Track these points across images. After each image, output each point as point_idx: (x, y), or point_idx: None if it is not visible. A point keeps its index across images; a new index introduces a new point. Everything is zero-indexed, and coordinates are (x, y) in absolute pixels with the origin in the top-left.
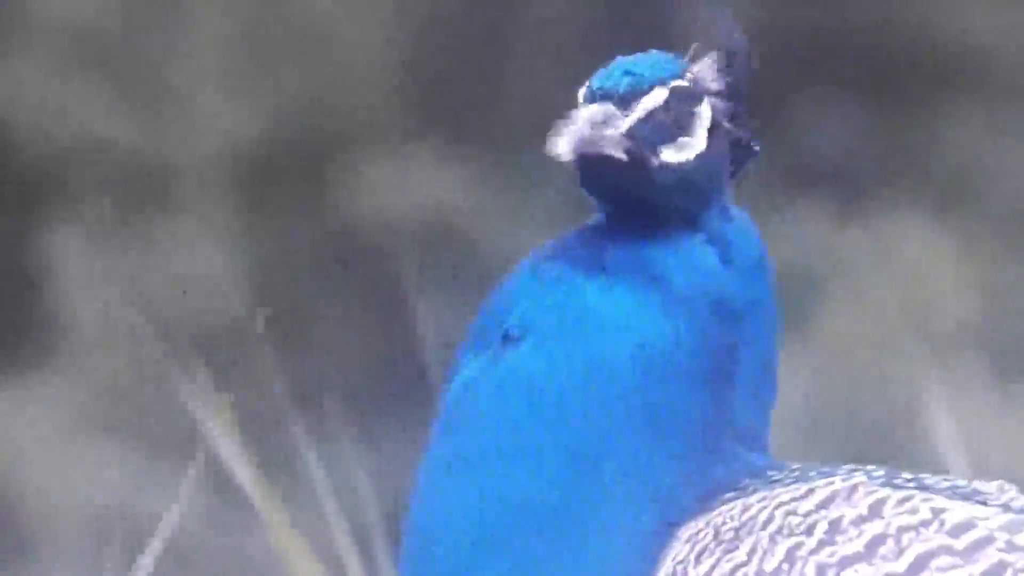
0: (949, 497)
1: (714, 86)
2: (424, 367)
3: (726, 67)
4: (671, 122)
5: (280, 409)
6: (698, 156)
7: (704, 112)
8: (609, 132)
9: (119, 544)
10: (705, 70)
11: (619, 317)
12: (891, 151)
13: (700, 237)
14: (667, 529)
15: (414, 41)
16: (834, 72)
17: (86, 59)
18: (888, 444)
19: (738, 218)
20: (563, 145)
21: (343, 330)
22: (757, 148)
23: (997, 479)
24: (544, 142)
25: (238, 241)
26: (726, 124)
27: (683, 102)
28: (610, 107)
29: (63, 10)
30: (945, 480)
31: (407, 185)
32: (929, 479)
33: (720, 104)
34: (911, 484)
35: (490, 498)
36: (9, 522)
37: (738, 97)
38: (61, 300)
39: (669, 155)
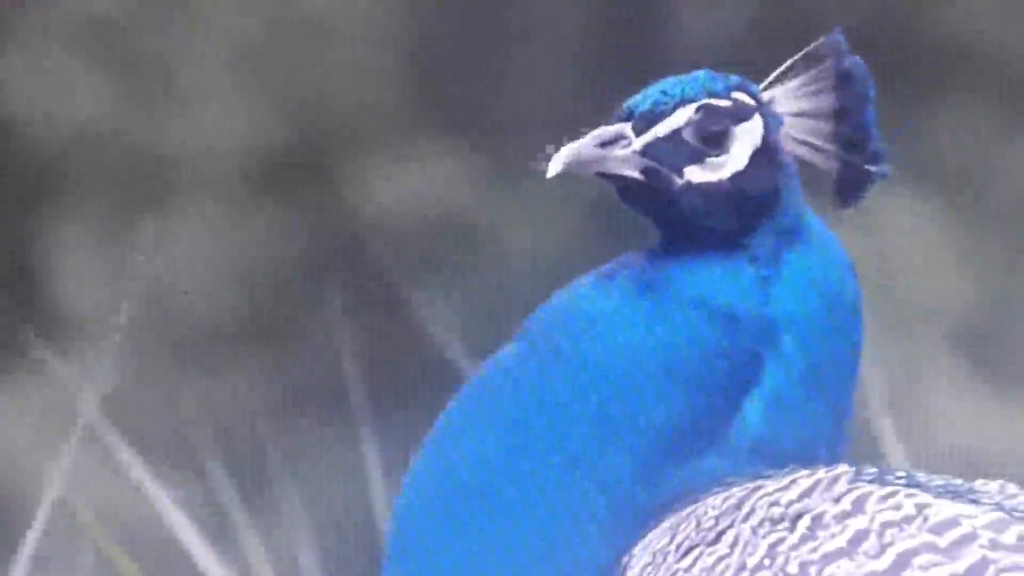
0: (938, 495)
1: (798, 106)
2: (424, 366)
3: (839, 91)
4: (699, 141)
5: (262, 412)
6: (735, 176)
7: (747, 131)
8: (618, 151)
9: (119, 544)
10: (786, 90)
11: (596, 319)
12: (890, 148)
13: (736, 254)
14: (621, 523)
15: (418, 40)
16: None
17: (92, 55)
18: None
19: (814, 243)
20: (555, 163)
21: (342, 328)
22: (876, 170)
23: (967, 469)
24: (546, 139)
25: (241, 238)
26: (826, 146)
27: (716, 121)
28: (623, 126)
29: (70, 6)
30: (939, 478)
31: (410, 183)
32: (922, 477)
33: (813, 125)
34: (901, 481)
35: (453, 483)
36: (8, 520)
37: (850, 121)
38: (62, 296)
39: (695, 175)
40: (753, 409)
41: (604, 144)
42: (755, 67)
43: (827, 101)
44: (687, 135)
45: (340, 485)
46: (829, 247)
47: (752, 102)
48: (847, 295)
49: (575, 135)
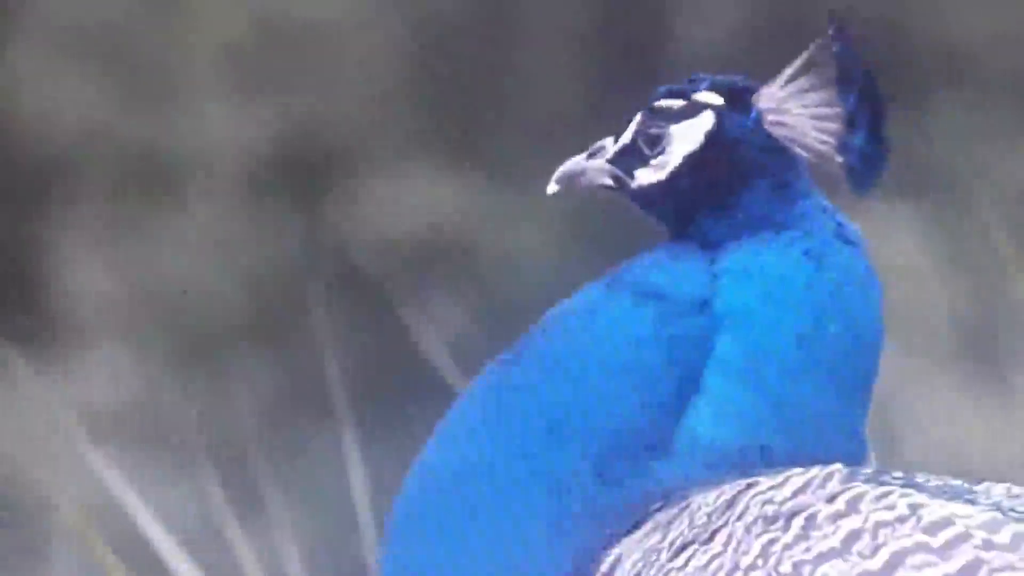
0: (933, 495)
1: (804, 101)
2: (416, 377)
3: (840, 86)
4: (644, 144)
5: (253, 420)
6: (673, 174)
7: (686, 129)
8: (593, 163)
9: (120, 542)
10: (794, 87)
11: (557, 320)
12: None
13: (687, 242)
14: (579, 525)
15: (418, 56)
16: None
17: (92, 57)
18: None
19: (777, 239)
20: (552, 181)
21: (336, 338)
22: (840, 160)
23: (966, 475)
24: (543, 157)
25: (238, 244)
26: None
27: (653, 123)
28: (607, 139)
29: (71, 7)
30: (937, 479)
31: (407, 197)
32: (920, 477)
33: (822, 117)
34: (898, 482)
35: (428, 477)
36: (10, 520)
37: (845, 115)
38: (62, 298)
39: (642, 177)
40: (694, 407)
41: (590, 156)
42: (758, 72)
43: (826, 93)
44: (640, 139)
45: (331, 489)
46: (793, 246)
47: (714, 101)
48: (804, 294)
49: (574, 151)
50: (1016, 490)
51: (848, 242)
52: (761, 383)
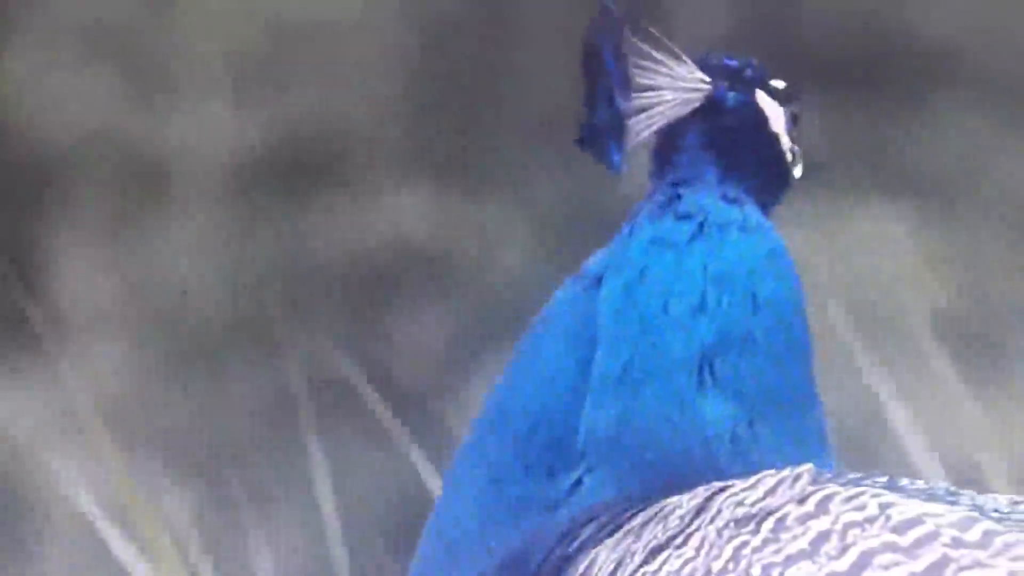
0: (909, 496)
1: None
2: (407, 382)
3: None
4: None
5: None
6: None
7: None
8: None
9: (118, 542)
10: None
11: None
12: (870, 148)
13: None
14: (516, 516)
15: (415, 63)
16: (813, 69)
17: (93, 57)
18: (856, 443)
19: (659, 221)
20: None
21: (331, 339)
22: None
23: (960, 474)
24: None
25: (237, 244)
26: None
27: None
28: None
29: (71, 7)
30: (922, 483)
31: (401, 203)
32: (904, 481)
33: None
34: (877, 484)
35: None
36: (10, 514)
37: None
38: (61, 298)
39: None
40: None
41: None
42: None
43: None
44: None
45: (330, 490)
46: (671, 230)
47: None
48: (656, 291)
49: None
50: (1019, 498)
51: (744, 229)
52: (636, 387)
